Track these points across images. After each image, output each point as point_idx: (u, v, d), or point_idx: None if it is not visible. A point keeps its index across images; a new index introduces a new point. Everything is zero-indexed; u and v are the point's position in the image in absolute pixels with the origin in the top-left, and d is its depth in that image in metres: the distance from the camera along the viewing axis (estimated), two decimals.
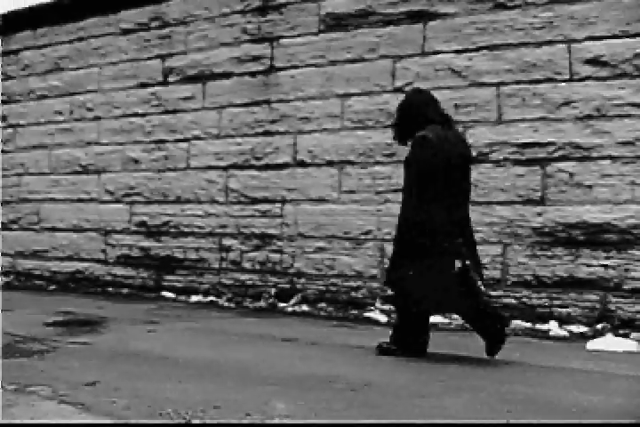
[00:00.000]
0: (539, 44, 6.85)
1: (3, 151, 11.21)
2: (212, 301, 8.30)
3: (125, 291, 9.28)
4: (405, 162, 5.07)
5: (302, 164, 8.05)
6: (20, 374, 4.08)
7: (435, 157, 4.84)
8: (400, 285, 4.97)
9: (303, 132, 8.07)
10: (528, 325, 6.50)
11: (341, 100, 7.84)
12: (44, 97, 10.64)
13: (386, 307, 7.24)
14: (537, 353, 5.32)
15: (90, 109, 10.02)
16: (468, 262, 4.80)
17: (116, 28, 9.84)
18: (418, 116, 5.09)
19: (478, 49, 7.15)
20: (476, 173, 7.01)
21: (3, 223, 11.09)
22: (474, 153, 7.02)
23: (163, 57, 9.30)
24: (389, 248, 7.51)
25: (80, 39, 10.24)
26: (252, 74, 8.50)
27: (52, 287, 9.86)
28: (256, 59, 8.49)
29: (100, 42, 9.99)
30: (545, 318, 6.59)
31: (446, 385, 4.01)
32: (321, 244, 7.85)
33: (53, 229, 10.32)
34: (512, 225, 6.88)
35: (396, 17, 7.61)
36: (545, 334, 6.21)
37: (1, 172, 11.14)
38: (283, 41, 8.30)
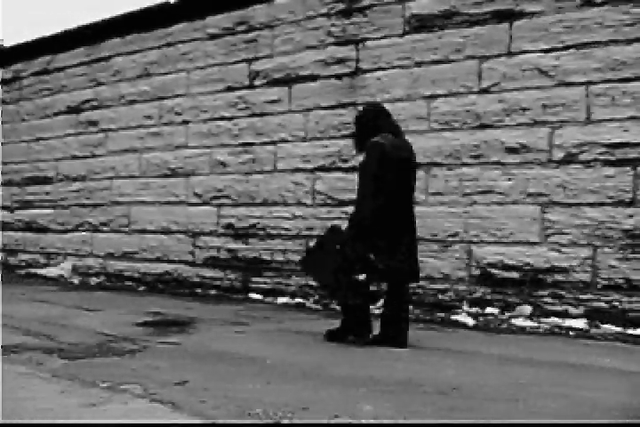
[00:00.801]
0: (629, 42, 6.79)
1: (94, 155, 11.63)
2: (298, 303, 8.45)
3: (213, 292, 9.51)
4: (360, 165, 5.77)
5: None
6: (112, 373, 4.27)
7: (384, 158, 5.58)
8: None
9: None
10: (619, 329, 6.45)
11: (427, 101, 7.91)
12: (134, 102, 10.99)
13: (473, 310, 7.29)
14: (628, 357, 5.30)
15: (178, 113, 10.33)
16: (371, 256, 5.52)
17: (202, 34, 10.11)
18: (371, 127, 5.89)
19: (566, 48, 7.13)
20: (564, 174, 7.02)
21: (94, 225, 11.50)
22: (562, 154, 7.06)
23: (249, 61, 9.52)
24: (477, 251, 7.60)
25: (168, 45, 10.56)
26: (338, 76, 8.64)
27: (142, 288, 10.17)
28: (341, 61, 8.63)
29: (188, 47, 10.28)
30: (637, 323, 6.54)
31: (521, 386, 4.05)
32: None
33: (143, 231, 10.65)
34: (602, 227, 6.84)
35: (482, 17, 7.64)
36: (636, 340, 6.16)
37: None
38: (368, 43, 8.41)
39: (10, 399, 3.57)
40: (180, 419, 3.32)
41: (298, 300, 8.54)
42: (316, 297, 8.47)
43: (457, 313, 7.30)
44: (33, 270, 12.09)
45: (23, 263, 12.78)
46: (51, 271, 11.73)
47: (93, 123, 11.64)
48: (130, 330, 6.10)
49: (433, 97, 7.89)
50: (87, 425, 3.22)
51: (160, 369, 4.43)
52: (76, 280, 11.12)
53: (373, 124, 5.89)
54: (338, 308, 8.03)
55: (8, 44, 14.39)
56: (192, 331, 6.18)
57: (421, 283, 7.76)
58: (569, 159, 6.95)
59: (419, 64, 8.01)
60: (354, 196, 8.48)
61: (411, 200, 5.82)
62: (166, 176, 10.40)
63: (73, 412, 3.36)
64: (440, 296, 7.66)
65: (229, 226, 9.59)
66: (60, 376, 4.15)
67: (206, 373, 4.34)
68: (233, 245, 9.53)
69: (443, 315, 7.31)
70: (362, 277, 5.55)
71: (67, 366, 4.47)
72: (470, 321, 6.95)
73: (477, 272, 7.48)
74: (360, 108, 8.50)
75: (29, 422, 3.24)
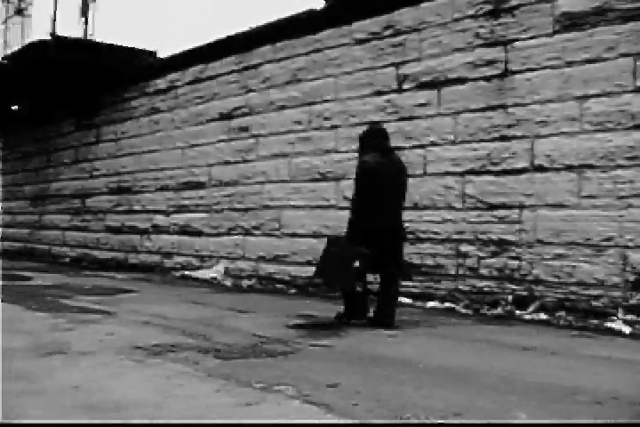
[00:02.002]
0: None
1: (245, 161, 12.07)
2: (448, 307, 8.53)
3: None
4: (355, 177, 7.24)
5: (540, 168, 8.12)
6: (266, 374, 4.48)
7: (367, 174, 7.02)
8: None
9: (540, 137, 8.14)
10: None
11: (579, 102, 7.85)
12: (284, 107, 11.35)
13: (628, 317, 7.18)
14: None
15: (327, 118, 10.61)
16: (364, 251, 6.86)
17: (349, 39, 10.36)
18: (366, 146, 7.33)
19: None
20: None
21: (246, 229, 11.93)
22: None
23: (397, 65, 9.69)
24: (633, 255, 7.50)
25: (316, 51, 10.87)
26: (487, 78, 8.69)
27: (292, 291, 10.49)
28: (490, 63, 8.67)
29: (336, 52, 10.56)
30: None
31: None
32: (560, 250, 7.88)
33: (293, 235, 10.98)
34: None
35: (637, 12, 7.52)
36: None
37: None
38: (517, 44, 8.42)
39: (168, 397, 3.84)
40: (334, 420, 3.47)
41: (447, 304, 8.63)
42: (467, 302, 8.54)
43: (612, 320, 7.20)
44: (187, 273, 12.66)
45: (178, 266, 13.39)
46: (204, 274, 12.24)
47: (244, 129, 12.09)
48: (282, 332, 6.35)
49: (585, 97, 7.82)
50: (244, 425, 3.41)
51: (312, 371, 4.61)
52: (228, 283, 11.57)
53: (368, 143, 7.34)
54: (488, 313, 8.13)
55: (163, 55, 15.16)
56: (344, 334, 6.39)
57: (573, 289, 7.72)
58: None
59: (569, 64, 7.96)
60: (505, 199, 8.58)
61: (394, 204, 7.20)
62: (316, 180, 10.69)
63: (228, 411, 3.58)
64: (593, 302, 7.58)
65: None
66: (215, 376, 4.40)
67: (358, 375, 4.50)
68: None
69: (596, 322, 7.24)
70: (356, 263, 6.88)
71: (222, 366, 4.73)
72: (626, 329, 6.86)
73: (633, 278, 7.38)
74: (510, 110, 8.56)
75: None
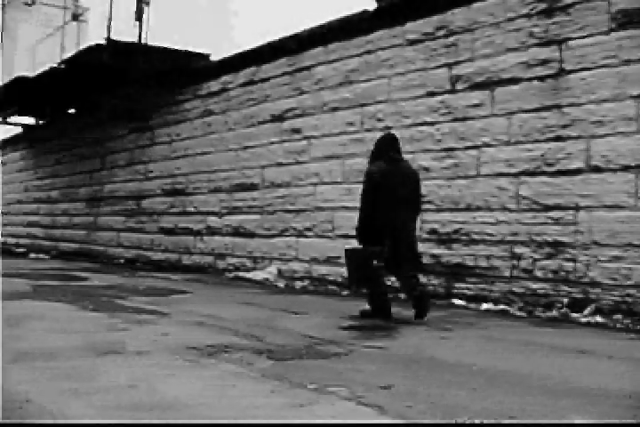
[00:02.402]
0: None
1: (298, 162, 12.14)
2: (502, 309, 8.48)
3: None
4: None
5: (596, 169, 8.04)
6: (319, 375, 4.51)
7: (372, 181, 7.56)
8: None
9: (596, 137, 8.06)
10: None
11: (636, 101, 7.75)
12: (336, 109, 11.40)
13: None
14: None
15: (380, 120, 10.63)
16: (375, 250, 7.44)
17: (402, 40, 10.36)
18: (375, 155, 7.85)
19: None
20: None
21: (299, 230, 11.99)
22: None
23: (449, 65, 9.68)
24: None
25: (368, 52, 10.91)
26: (541, 78, 8.63)
27: (345, 293, 10.49)
28: (544, 62, 8.61)
29: (388, 53, 10.57)
30: None
31: None
32: (616, 252, 7.79)
33: (346, 237, 10.98)
34: None
35: None
36: None
37: None
38: (571, 43, 8.35)
39: (222, 397, 3.88)
40: (387, 421, 3.48)
41: (501, 306, 8.57)
42: (521, 304, 8.48)
43: None
44: (240, 274, 12.77)
45: (231, 267, 13.51)
46: (257, 275, 12.33)
47: (297, 130, 12.15)
48: (335, 333, 6.37)
49: None
50: (298, 425, 3.45)
51: (365, 373, 4.63)
52: (281, 284, 11.64)
53: (377, 152, 7.85)
54: (542, 315, 8.07)
55: (216, 57, 15.31)
56: (397, 335, 6.41)
57: (630, 291, 7.63)
58: None
59: (626, 62, 7.87)
60: (560, 200, 8.52)
61: (402, 209, 7.54)
62: None
63: (281, 411, 3.61)
64: None
65: (433, 231, 9.76)
66: (268, 376, 4.43)
67: (411, 377, 4.51)
68: (436, 251, 9.69)
69: None
70: (375, 263, 7.43)
71: (275, 367, 4.76)
72: None
73: None
74: (565, 110, 8.49)
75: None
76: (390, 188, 7.55)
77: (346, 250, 8.00)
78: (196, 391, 3.99)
